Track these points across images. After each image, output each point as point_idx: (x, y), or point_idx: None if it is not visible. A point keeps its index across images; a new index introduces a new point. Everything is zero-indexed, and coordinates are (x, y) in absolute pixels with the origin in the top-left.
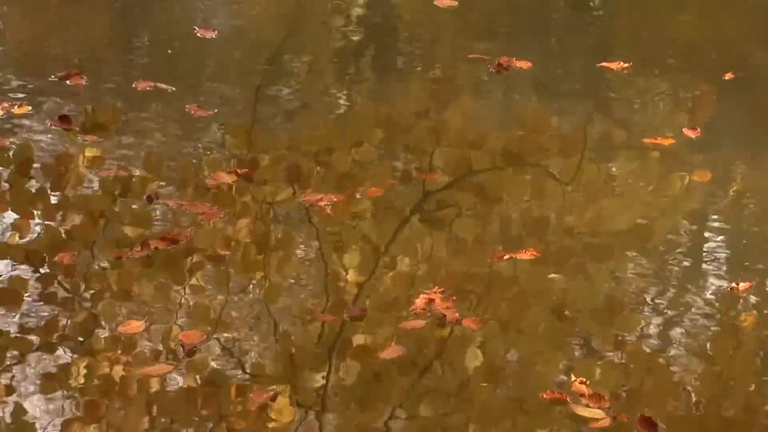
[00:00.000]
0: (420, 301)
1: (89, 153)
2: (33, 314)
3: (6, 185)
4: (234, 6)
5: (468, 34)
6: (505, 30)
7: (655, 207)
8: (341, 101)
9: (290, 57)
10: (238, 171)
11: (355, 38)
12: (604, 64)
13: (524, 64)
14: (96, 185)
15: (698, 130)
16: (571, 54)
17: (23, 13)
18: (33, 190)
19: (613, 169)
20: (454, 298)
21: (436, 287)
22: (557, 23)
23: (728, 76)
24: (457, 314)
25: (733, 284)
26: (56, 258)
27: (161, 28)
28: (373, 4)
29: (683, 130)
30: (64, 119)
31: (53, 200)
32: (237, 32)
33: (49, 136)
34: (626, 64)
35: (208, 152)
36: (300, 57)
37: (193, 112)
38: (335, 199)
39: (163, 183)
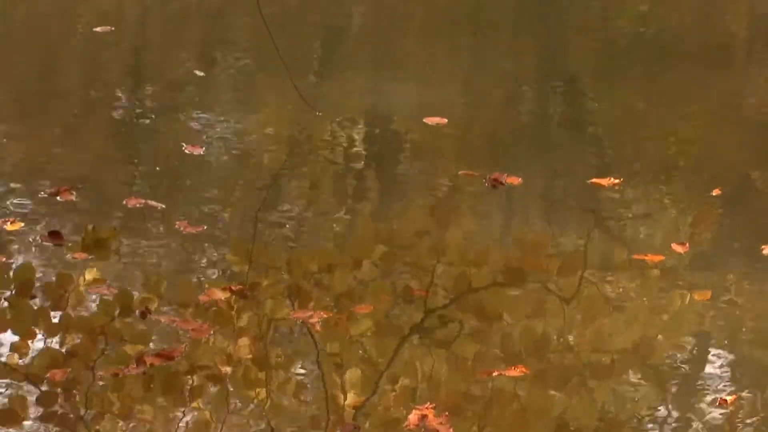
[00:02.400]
0: (413, 417)
1: (89, 274)
2: None
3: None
4: (232, 124)
5: (458, 151)
6: (494, 147)
7: (655, 325)
8: (341, 220)
9: (289, 175)
10: (233, 287)
11: (353, 157)
12: (595, 180)
13: (515, 180)
14: (95, 304)
15: (687, 245)
16: (562, 170)
17: (18, 132)
18: (34, 307)
19: (613, 287)
20: (447, 413)
21: (428, 403)
22: (549, 139)
23: (716, 192)
24: (451, 430)
25: (728, 398)
26: (50, 375)
27: (157, 147)
28: (370, 123)
29: (672, 245)
30: (54, 235)
31: (54, 319)
32: (234, 149)
33: (46, 252)
34: (617, 180)
35: (206, 269)
36: (299, 175)
37: (183, 229)
38: (325, 316)
39: (158, 301)
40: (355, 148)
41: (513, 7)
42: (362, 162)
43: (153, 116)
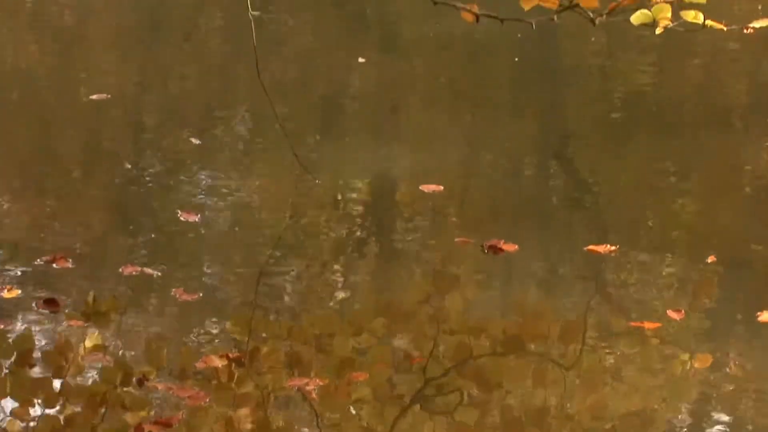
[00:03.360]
0: None
1: (90, 342)
2: None
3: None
4: (230, 191)
5: (456, 218)
6: (492, 214)
7: (655, 392)
8: (340, 288)
9: (288, 242)
10: (230, 355)
11: (352, 224)
12: (591, 247)
13: (511, 248)
14: (94, 372)
15: (683, 312)
16: (560, 237)
17: (15, 202)
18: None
19: (613, 354)
20: None
21: None
22: (547, 207)
23: (711, 259)
24: None
25: None
26: None
27: (154, 214)
28: (370, 191)
29: (668, 312)
30: (50, 302)
31: (54, 388)
32: (232, 216)
33: (45, 320)
34: (613, 247)
35: (203, 337)
36: (298, 243)
37: (179, 296)
38: (322, 384)
39: (156, 369)
40: (354, 216)
41: (513, 78)
42: (361, 229)
43: (150, 183)
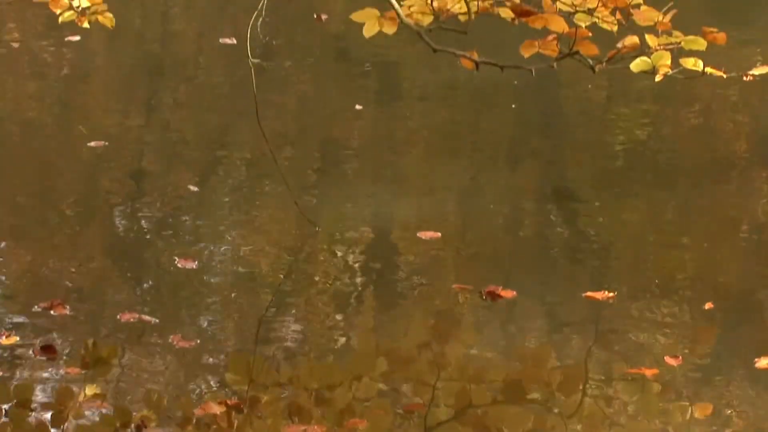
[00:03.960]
0: None
1: (90, 390)
2: None
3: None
4: (230, 237)
5: (456, 265)
6: (491, 261)
7: None
8: (340, 334)
9: (288, 290)
10: (228, 402)
11: (352, 271)
12: (589, 293)
13: (509, 294)
14: (93, 419)
15: (680, 359)
16: (558, 284)
17: (12, 248)
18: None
19: (613, 401)
20: None
21: None
22: (545, 254)
23: (708, 305)
24: None
25: None
26: None
27: (152, 261)
28: (369, 238)
29: (666, 358)
30: (47, 349)
31: None
32: (232, 263)
33: (43, 367)
34: (611, 294)
35: (202, 384)
36: (298, 290)
37: (176, 343)
38: (320, 431)
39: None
40: (353, 263)
41: (513, 126)
42: (360, 276)
43: (148, 230)
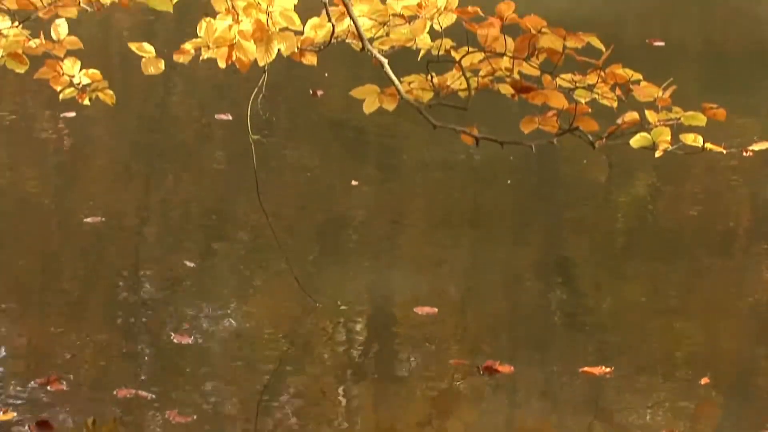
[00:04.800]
0: None
1: None
2: None
3: None
4: (230, 313)
5: (451, 340)
6: (486, 336)
7: None
8: (340, 411)
9: (288, 367)
10: None
11: (352, 347)
12: (586, 369)
13: (506, 369)
14: None
15: None
16: (554, 359)
17: (8, 324)
18: None
19: None
20: None
21: None
22: (544, 329)
23: (704, 381)
24: None
25: None
26: None
27: (150, 336)
28: (369, 313)
29: None
30: (44, 425)
31: None
32: (232, 339)
33: None
34: (608, 369)
35: None
36: (297, 367)
37: (172, 419)
38: None
39: None
40: (352, 339)
41: (512, 200)
42: (360, 352)
43: (145, 306)
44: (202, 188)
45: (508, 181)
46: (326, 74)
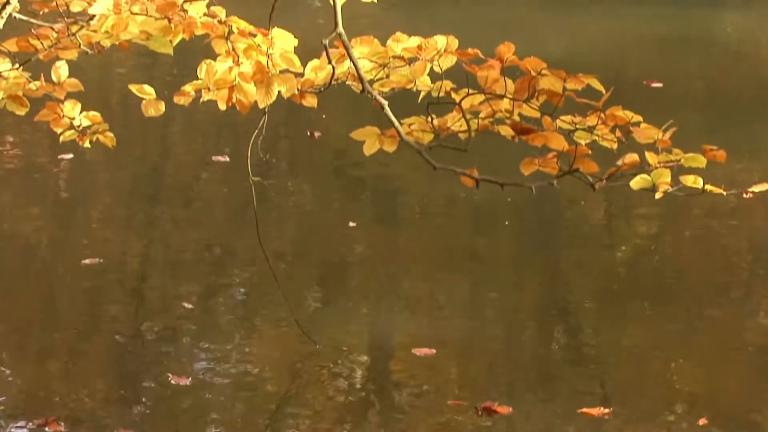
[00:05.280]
0: None
1: None
2: None
3: None
4: (230, 355)
5: (449, 381)
6: (485, 377)
7: None
8: None
9: (289, 408)
10: None
11: (352, 388)
12: (584, 410)
13: (505, 410)
14: None
15: None
16: (552, 399)
17: (6, 366)
18: None
19: None
20: None
21: None
22: (544, 371)
23: (702, 422)
24: None
25: None
26: None
27: (149, 378)
28: (370, 355)
29: None
30: None
31: None
32: (232, 380)
33: None
34: (606, 410)
35: None
36: (298, 410)
37: None
38: None
39: None
40: (352, 380)
41: (512, 241)
42: (359, 394)
43: (146, 347)
44: (202, 230)
45: (506, 223)
46: (324, 116)
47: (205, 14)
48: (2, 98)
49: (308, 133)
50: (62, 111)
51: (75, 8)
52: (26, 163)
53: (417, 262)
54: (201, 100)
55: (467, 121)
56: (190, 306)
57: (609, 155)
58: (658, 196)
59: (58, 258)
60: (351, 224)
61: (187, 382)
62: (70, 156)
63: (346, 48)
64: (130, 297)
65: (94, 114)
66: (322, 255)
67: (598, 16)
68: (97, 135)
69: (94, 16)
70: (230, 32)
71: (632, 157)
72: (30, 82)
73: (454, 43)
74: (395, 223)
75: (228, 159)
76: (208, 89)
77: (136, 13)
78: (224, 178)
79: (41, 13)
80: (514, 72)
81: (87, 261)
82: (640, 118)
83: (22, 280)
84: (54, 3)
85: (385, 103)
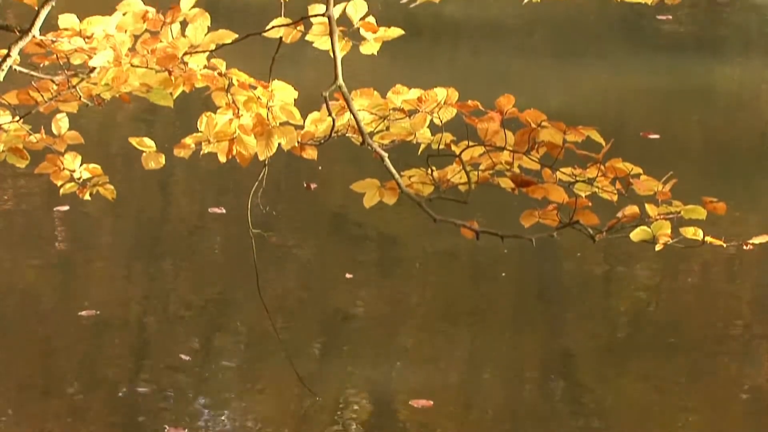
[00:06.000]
0: None
1: None
2: None
3: None
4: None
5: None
6: (483, 429)
7: None
8: None
9: None
10: None
11: None
12: None
13: None
14: None
15: None
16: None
17: (13, 415)
18: None
19: None
20: None
21: None
22: (538, 421)
23: None
24: None
25: None
26: None
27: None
28: (370, 407)
29: None
30: None
31: None
32: None
33: None
34: None
35: None
36: None
37: None
38: None
39: None
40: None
41: (512, 293)
42: None
43: (144, 400)
44: (201, 281)
45: (503, 274)
46: (320, 167)
47: (205, 66)
48: (3, 151)
49: (305, 185)
50: (62, 163)
51: (75, 61)
52: (22, 215)
53: (416, 313)
54: (201, 152)
55: (467, 173)
56: (188, 358)
57: (609, 207)
58: (658, 247)
59: (56, 309)
60: (349, 276)
61: None
62: (66, 208)
63: (346, 100)
64: (128, 349)
65: (95, 166)
66: (322, 306)
67: (598, 67)
68: (97, 187)
69: (94, 68)
70: (230, 84)
71: (632, 209)
72: (30, 134)
73: (454, 95)
74: (395, 274)
75: (228, 211)
76: (209, 141)
77: (137, 66)
78: (223, 230)
79: (41, 65)
80: (514, 124)
81: (84, 313)
82: (640, 170)
83: (20, 333)
84: (54, 55)
85: (385, 155)
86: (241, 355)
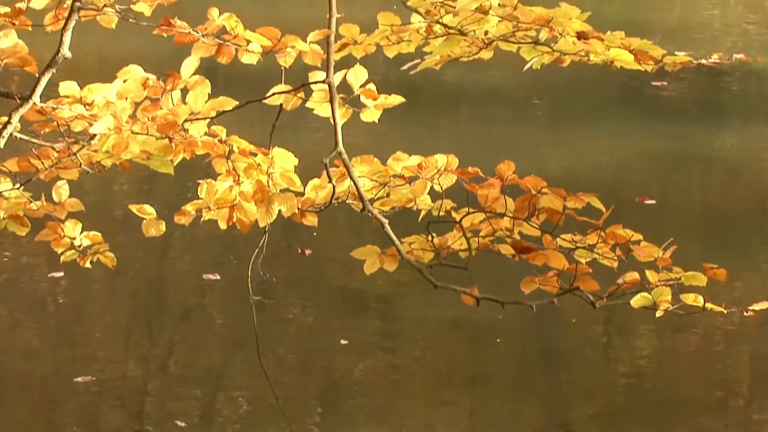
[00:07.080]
0: None
1: None
2: None
3: None
4: None
5: None
6: None
7: None
8: None
9: None
10: None
11: None
12: None
13: None
14: None
15: None
16: None
17: None
18: None
19: None
20: None
21: None
22: None
23: None
24: None
25: None
26: None
27: None
28: None
29: None
30: None
31: None
32: None
33: None
34: None
35: None
36: None
37: None
38: None
39: None
40: None
41: (512, 359)
42: None
43: None
44: (199, 348)
45: (498, 340)
46: (315, 234)
47: (205, 134)
48: (3, 218)
49: (299, 251)
50: (63, 231)
51: (76, 128)
52: (17, 281)
53: (415, 382)
54: (202, 219)
55: (468, 240)
56: (184, 425)
57: (609, 273)
58: (658, 314)
59: (52, 375)
60: (345, 342)
61: None
62: (61, 274)
63: (346, 167)
64: (124, 416)
65: (95, 234)
66: (323, 374)
67: (598, 133)
68: (97, 255)
69: (94, 135)
70: (231, 151)
71: (633, 276)
72: (31, 201)
73: (454, 161)
74: (395, 341)
75: (227, 277)
76: (209, 208)
77: (137, 133)
78: (223, 296)
79: (42, 132)
80: (515, 190)
81: (80, 379)
82: (640, 237)
83: (16, 398)
84: (55, 123)
85: (386, 221)
86: (240, 422)
